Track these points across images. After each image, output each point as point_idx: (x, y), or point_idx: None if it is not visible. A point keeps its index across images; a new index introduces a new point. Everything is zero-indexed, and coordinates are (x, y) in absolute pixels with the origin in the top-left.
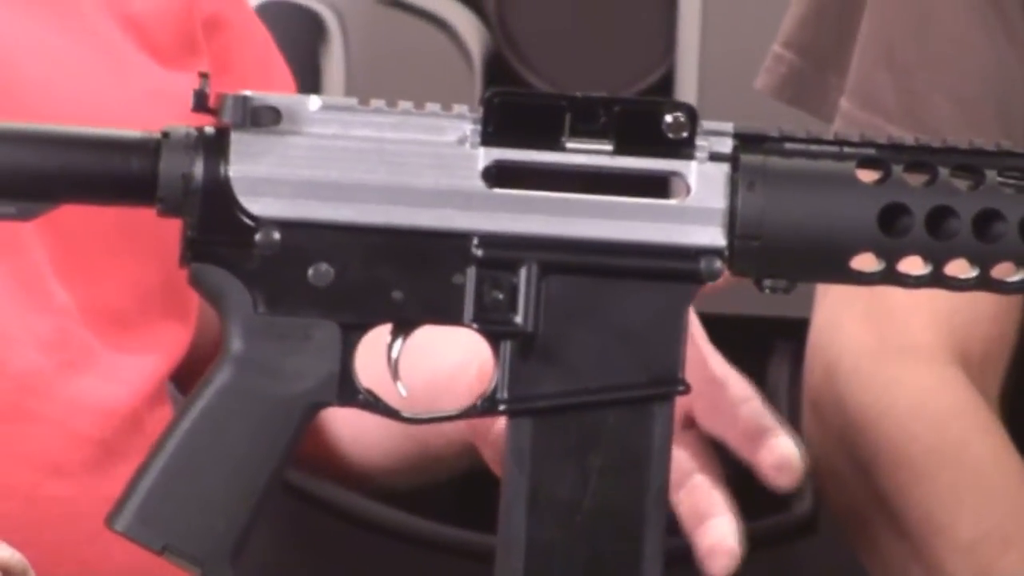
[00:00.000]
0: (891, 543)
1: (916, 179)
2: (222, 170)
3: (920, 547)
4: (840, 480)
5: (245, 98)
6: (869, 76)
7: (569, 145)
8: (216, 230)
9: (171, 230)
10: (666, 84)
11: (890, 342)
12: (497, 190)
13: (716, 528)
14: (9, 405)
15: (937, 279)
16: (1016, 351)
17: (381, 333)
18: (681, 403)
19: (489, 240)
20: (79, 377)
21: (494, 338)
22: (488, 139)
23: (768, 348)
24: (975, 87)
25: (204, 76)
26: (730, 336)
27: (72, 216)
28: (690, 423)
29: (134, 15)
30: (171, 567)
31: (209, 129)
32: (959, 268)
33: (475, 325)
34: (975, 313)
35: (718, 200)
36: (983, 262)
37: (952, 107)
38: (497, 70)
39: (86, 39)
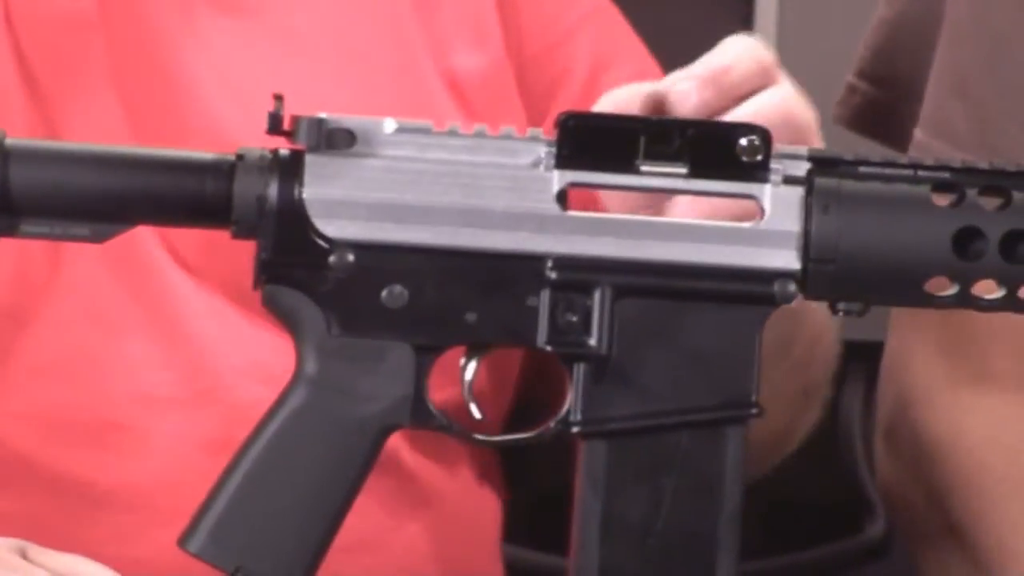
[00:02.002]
0: (964, 571)
1: (990, 203)
2: (297, 192)
3: (993, 575)
4: (913, 508)
5: (320, 121)
6: (942, 106)
7: (644, 168)
8: (290, 252)
9: None
10: None
11: (963, 370)
12: (571, 212)
13: None
14: (223, 435)
15: (1011, 303)
16: None
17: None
18: None
19: (563, 263)
20: None
21: (568, 360)
22: (562, 162)
23: (842, 371)
24: None
25: (279, 98)
26: None
27: None
28: None
29: (454, 70)
30: None
31: (284, 151)
32: None
33: (549, 347)
34: None
35: (793, 223)
36: None
37: None
38: None
39: (418, 97)
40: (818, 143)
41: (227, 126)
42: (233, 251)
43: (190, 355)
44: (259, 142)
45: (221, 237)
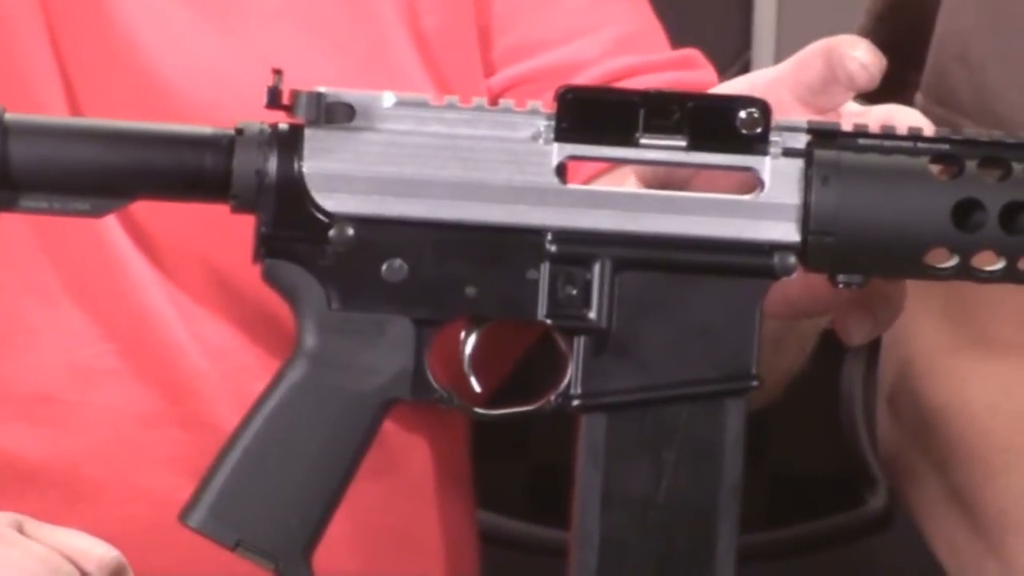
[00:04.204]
0: (967, 540)
1: (990, 174)
2: (296, 166)
3: (995, 544)
4: (915, 477)
5: (319, 95)
6: (944, 72)
7: (643, 141)
8: (290, 226)
9: None
10: None
11: (965, 338)
12: (570, 186)
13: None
14: (161, 409)
15: (1011, 274)
16: None
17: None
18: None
19: (563, 236)
20: (252, 383)
21: (568, 334)
22: (562, 135)
23: (843, 345)
24: None
25: (278, 73)
26: None
27: None
28: None
29: (423, 31)
30: None
31: (283, 126)
32: None
33: (549, 321)
34: None
35: (792, 196)
36: None
37: None
38: None
39: (377, 63)
40: None
41: (173, 86)
42: (183, 225)
43: (132, 328)
44: (208, 104)
45: (176, 209)
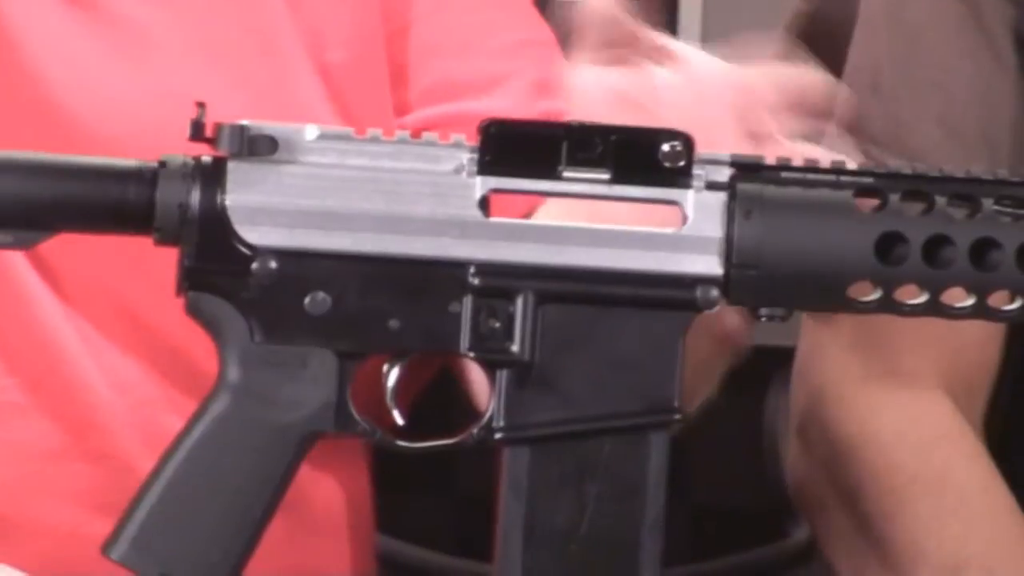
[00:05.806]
0: (877, 570)
1: (913, 208)
2: (219, 199)
3: (905, 574)
4: (824, 508)
5: (242, 127)
6: (856, 102)
7: (566, 174)
8: (213, 259)
9: None
10: None
11: (875, 368)
12: (493, 219)
13: None
14: (67, 443)
15: (934, 307)
16: (998, 378)
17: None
18: None
19: (485, 269)
20: (159, 417)
21: (490, 366)
22: (485, 168)
23: (766, 378)
24: (962, 112)
25: (201, 106)
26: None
27: None
28: None
29: (328, 64)
30: None
31: (206, 158)
32: (956, 296)
33: (472, 354)
34: (961, 340)
35: (715, 229)
36: (980, 290)
37: (939, 133)
38: None
39: (279, 86)
40: None
41: (80, 119)
42: (91, 259)
43: (37, 362)
44: (115, 138)
45: (83, 243)
